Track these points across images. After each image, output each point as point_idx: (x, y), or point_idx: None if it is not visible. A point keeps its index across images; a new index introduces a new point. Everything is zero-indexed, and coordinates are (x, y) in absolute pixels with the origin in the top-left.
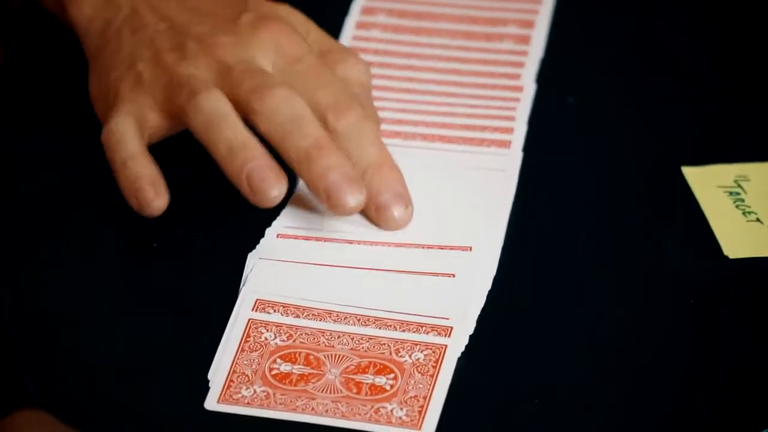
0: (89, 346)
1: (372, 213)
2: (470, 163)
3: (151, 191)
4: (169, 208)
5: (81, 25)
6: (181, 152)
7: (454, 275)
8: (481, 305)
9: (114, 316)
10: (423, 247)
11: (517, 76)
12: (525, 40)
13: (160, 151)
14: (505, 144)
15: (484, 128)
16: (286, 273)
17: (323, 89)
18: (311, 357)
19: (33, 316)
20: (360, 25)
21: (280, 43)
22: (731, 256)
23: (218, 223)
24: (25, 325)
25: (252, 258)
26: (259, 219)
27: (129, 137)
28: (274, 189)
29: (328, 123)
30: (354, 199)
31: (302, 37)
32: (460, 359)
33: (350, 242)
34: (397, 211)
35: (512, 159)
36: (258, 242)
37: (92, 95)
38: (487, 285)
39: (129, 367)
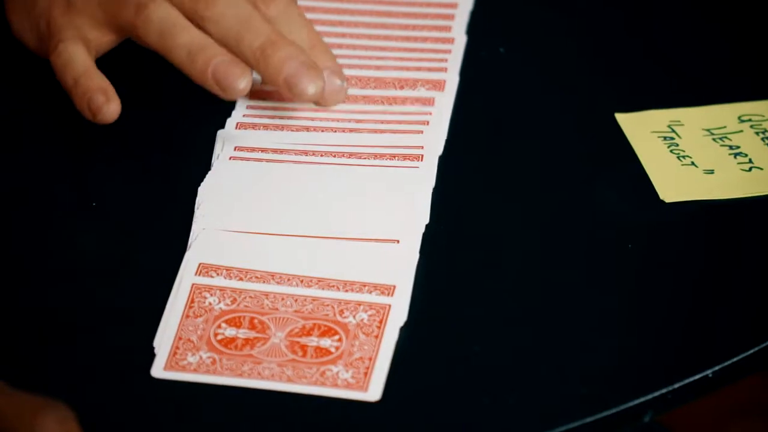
0: (33, 309)
1: None
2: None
3: (102, 97)
4: (110, 164)
5: None
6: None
7: (398, 241)
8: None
9: (56, 280)
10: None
11: (447, 29)
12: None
13: None
14: (431, 101)
15: (416, 81)
16: (230, 240)
17: None
18: (256, 321)
19: None
20: None
21: None
22: (667, 200)
23: (161, 174)
24: None
25: (201, 197)
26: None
27: (77, 57)
28: (241, 81)
29: (259, 10)
30: (313, 84)
31: None
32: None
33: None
34: (333, 84)
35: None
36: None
37: (15, 27)
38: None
39: (72, 335)
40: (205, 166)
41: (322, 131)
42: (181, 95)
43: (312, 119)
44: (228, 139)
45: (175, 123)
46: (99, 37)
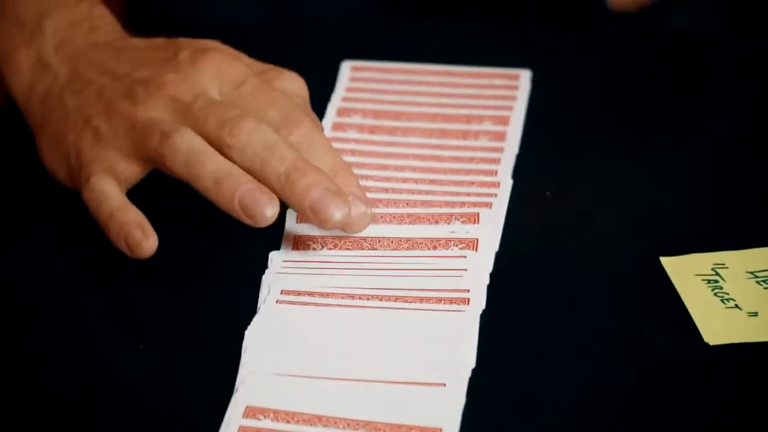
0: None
1: None
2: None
3: (140, 233)
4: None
5: (22, 95)
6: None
7: (444, 384)
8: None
9: (107, 420)
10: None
11: (493, 173)
12: (500, 136)
13: None
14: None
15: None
16: (277, 383)
17: (271, 107)
18: None
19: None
20: (336, 127)
21: (222, 70)
22: (712, 343)
23: (206, 312)
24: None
25: (248, 341)
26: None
27: (109, 191)
28: (268, 209)
29: (282, 137)
30: (339, 211)
31: (241, 60)
32: None
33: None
34: (359, 210)
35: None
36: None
37: (47, 162)
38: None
39: None
40: (250, 306)
41: (368, 274)
42: (221, 225)
43: (357, 261)
44: (274, 282)
45: (218, 255)
46: (127, 168)
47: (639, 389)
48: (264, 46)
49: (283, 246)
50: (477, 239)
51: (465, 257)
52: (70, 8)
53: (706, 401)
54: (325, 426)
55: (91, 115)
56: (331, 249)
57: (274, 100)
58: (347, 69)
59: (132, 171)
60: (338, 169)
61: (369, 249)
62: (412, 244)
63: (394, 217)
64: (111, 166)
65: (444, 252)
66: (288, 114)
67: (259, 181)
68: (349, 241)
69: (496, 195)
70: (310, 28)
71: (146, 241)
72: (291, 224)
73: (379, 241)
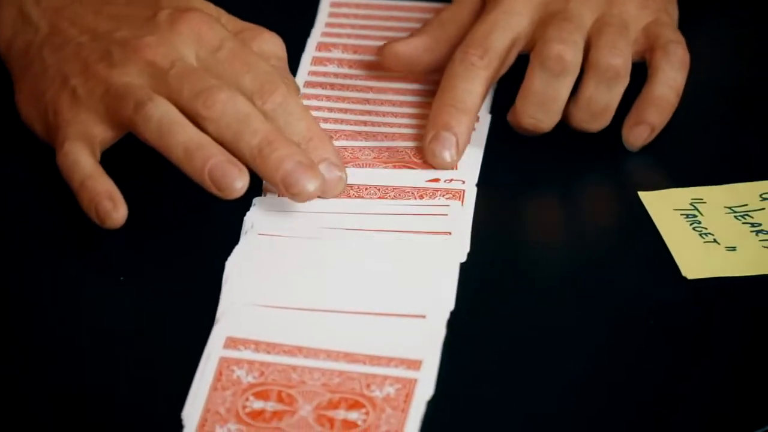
0: (62, 384)
1: None
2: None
3: (110, 203)
4: (133, 235)
5: (4, 46)
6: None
7: (425, 316)
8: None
9: (85, 354)
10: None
11: None
12: None
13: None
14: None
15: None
16: (257, 315)
17: (247, 73)
18: (283, 394)
19: None
20: (316, 61)
21: (200, 33)
22: (690, 277)
23: (187, 242)
24: None
25: (229, 272)
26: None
27: (82, 158)
28: (238, 181)
29: (256, 106)
30: (311, 183)
31: (219, 22)
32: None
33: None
34: (333, 175)
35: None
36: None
37: (24, 114)
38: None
39: (101, 407)
40: (234, 240)
41: (353, 216)
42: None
43: (342, 207)
44: (257, 220)
45: (205, 201)
46: (102, 132)
47: (616, 325)
48: None
49: (268, 192)
50: (464, 190)
51: (449, 206)
52: None
53: (683, 335)
54: (305, 357)
55: (69, 74)
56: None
57: (250, 65)
58: (327, 3)
59: (107, 135)
60: (312, 135)
61: (355, 198)
62: (398, 192)
63: (379, 160)
64: (86, 130)
65: (430, 201)
66: (263, 80)
67: (233, 153)
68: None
69: (474, 128)
70: None
71: (115, 211)
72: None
73: (366, 189)
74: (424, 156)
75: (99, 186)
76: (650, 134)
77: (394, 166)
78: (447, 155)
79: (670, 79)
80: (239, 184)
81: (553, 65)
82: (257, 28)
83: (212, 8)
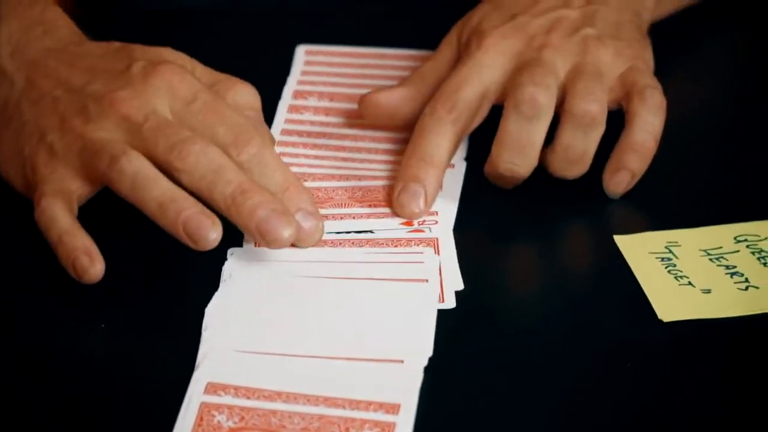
0: (43, 425)
1: None
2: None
3: (86, 259)
4: (112, 283)
5: None
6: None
7: (402, 361)
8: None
9: (67, 398)
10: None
11: None
12: None
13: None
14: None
15: None
16: (237, 360)
17: (221, 125)
18: None
19: None
20: (292, 109)
21: (173, 86)
22: (665, 320)
23: (167, 290)
24: None
25: (209, 318)
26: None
27: (59, 215)
28: (212, 232)
29: (231, 157)
30: (286, 230)
31: (191, 75)
32: None
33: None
34: (309, 225)
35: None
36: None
37: (4, 170)
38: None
39: None
40: (213, 287)
41: (330, 264)
42: None
43: (319, 256)
44: (234, 269)
45: (184, 251)
46: (79, 187)
47: (593, 368)
48: (224, 32)
49: (244, 243)
50: (437, 238)
51: (423, 253)
52: (23, 12)
53: (659, 376)
54: (285, 401)
55: (46, 130)
56: (292, 246)
57: (224, 116)
58: (302, 53)
59: (84, 190)
60: (288, 185)
61: (332, 247)
62: (374, 243)
63: (353, 199)
64: (63, 186)
65: (406, 249)
66: (238, 132)
67: (207, 204)
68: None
69: (442, 184)
70: (269, 15)
71: (92, 267)
72: None
73: (341, 242)
74: (393, 208)
75: (76, 242)
76: (631, 181)
77: (369, 206)
78: (415, 207)
79: (648, 124)
80: (213, 235)
81: (526, 109)
82: (231, 79)
83: (186, 59)
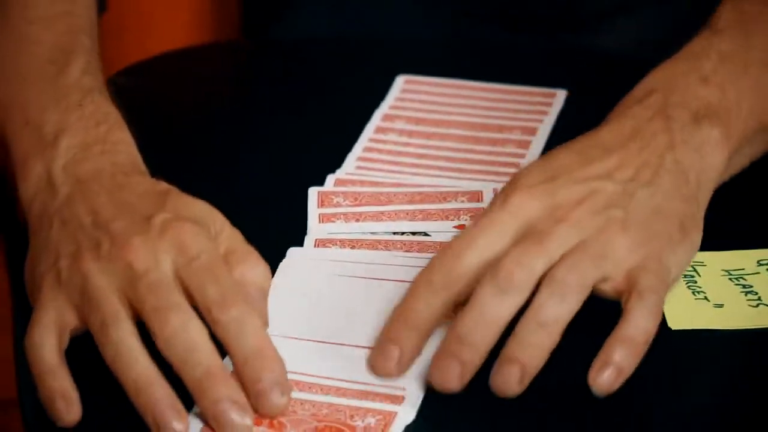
0: None
1: (251, 399)
2: None
3: (62, 403)
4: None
5: (25, 203)
6: None
7: None
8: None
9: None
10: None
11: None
12: (525, 145)
13: None
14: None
15: None
16: None
17: (213, 285)
18: (274, 421)
19: None
20: (378, 130)
21: (184, 244)
22: (674, 327)
23: None
24: None
25: None
26: None
27: (46, 349)
28: (176, 424)
29: (212, 315)
30: (241, 424)
31: (207, 236)
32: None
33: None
34: (275, 398)
35: None
36: None
37: (25, 275)
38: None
39: None
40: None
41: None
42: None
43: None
44: (289, 265)
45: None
46: (74, 321)
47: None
48: (329, 61)
49: (305, 242)
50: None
51: None
52: (88, 129)
53: (666, 383)
54: (300, 390)
55: (61, 255)
56: (344, 248)
57: (217, 278)
58: (401, 82)
59: (79, 325)
60: (263, 352)
61: (383, 249)
62: (423, 246)
63: (407, 214)
64: (59, 317)
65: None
66: (226, 293)
67: (177, 374)
68: (366, 243)
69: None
70: (374, 45)
71: (68, 414)
72: (313, 224)
73: (393, 244)
74: (367, 364)
75: (55, 383)
76: (617, 377)
77: (425, 205)
78: (387, 368)
79: (641, 320)
80: (178, 426)
81: (500, 282)
82: (248, 253)
83: (216, 219)
